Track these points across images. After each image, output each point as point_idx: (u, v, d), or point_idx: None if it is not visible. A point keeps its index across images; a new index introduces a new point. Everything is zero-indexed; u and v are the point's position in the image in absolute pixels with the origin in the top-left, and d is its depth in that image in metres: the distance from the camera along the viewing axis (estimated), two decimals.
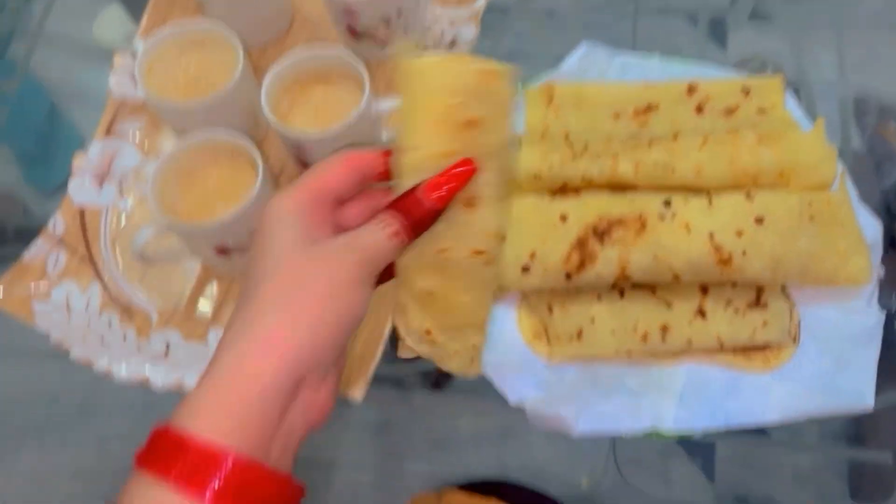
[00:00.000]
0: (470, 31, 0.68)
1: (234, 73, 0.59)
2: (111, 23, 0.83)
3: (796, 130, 0.57)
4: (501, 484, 0.61)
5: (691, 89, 0.62)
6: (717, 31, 0.72)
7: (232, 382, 0.34)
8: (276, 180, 0.63)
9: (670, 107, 0.62)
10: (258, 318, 0.35)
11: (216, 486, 0.32)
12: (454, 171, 0.42)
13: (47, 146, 0.79)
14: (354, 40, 0.67)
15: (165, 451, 0.33)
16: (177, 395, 0.55)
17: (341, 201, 0.41)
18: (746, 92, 0.61)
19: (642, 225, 0.55)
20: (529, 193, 0.58)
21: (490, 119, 0.47)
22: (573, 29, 0.73)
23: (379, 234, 0.39)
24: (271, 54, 0.71)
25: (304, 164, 0.61)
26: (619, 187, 0.57)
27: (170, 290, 0.61)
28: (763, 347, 0.54)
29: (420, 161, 0.44)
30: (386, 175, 0.42)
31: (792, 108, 0.61)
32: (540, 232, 0.56)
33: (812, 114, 0.61)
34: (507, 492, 0.60)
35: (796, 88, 0.65)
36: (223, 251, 0.57)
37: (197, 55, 0.62)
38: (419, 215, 0.41)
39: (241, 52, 0.60)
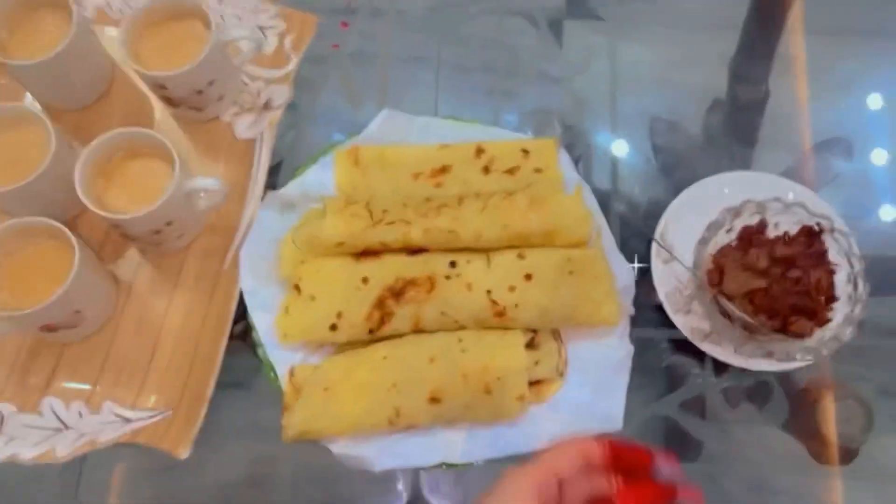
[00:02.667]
0: (284, 93, 0.72)
1: (47, 154, 0.62)
2: None
3: (561, 194, 0.66)
4: None
5: (479, 151, 0.70)
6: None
7: None
8: (98, 253, 0.67)
9: (462, 168, 0.69)
10: None
11: None
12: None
13: None
14: (172, 107, 0.70)
15: None
16: (12, 468, 0.59)
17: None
18: (526, 153, 0.69)
19: (432, 285, 0.63)
20: (336, 256, 0.65)
21: None
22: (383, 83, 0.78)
23: None
24: (92, 115, 0.73)
25: (125, 236, 0.65)
26: (412, 250, 0.65)
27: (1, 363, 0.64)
28: (536, 383, 0.64)
29: None
30: (607, 466, 0.48)
31: (565, 165, 0.70)
32: (345, 294, 0.63)
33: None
34: None
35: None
36: (50, 329, 0.61)
37: (9, 135, 0.64)
38: None
39: (52, 134, 0.62)
